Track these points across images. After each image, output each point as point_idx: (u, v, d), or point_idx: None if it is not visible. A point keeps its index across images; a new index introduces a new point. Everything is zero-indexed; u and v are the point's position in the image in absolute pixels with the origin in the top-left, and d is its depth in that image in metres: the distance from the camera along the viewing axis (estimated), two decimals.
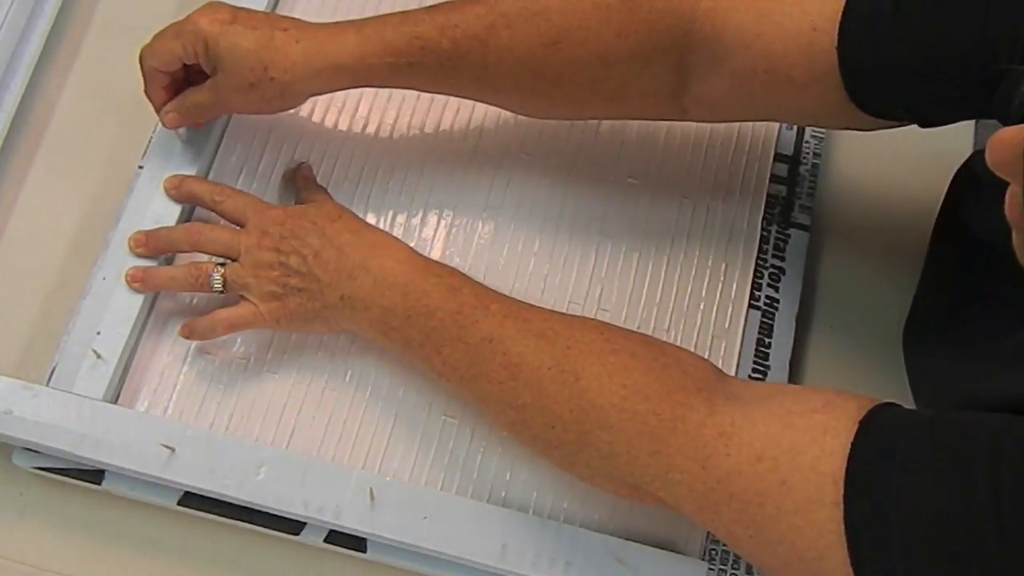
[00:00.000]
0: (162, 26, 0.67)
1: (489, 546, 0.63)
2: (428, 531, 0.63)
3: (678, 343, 0.68)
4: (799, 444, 0.50)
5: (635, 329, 0.64)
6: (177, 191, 0.71)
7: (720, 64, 0.62)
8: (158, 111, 0.70)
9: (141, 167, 0.72)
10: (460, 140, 0.77)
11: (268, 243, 0.66)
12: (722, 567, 0.66)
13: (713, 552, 0.66)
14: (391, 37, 0.65)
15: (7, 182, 0.75)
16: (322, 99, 0.76)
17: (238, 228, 0.68)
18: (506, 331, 0.60)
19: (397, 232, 0.73)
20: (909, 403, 0.59)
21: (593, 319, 0.62)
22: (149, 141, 0.73)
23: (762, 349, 0.72)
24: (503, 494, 0.67)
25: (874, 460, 0.48)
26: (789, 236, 0.76)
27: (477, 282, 0.64)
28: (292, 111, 0.72)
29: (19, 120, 0.76)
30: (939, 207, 0.70)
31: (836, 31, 0.57)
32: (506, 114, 0.76)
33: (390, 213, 0.74)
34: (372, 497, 0.63)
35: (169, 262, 0.71)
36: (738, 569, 0.66)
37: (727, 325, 0.73)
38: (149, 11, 0.78)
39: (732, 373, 0.71)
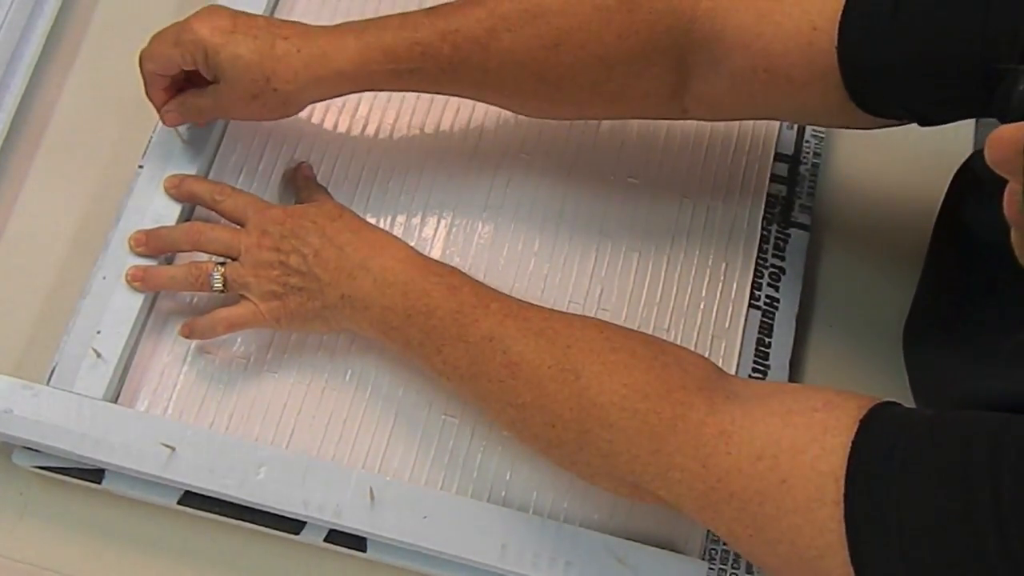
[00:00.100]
0: (162, 26, 0.67)
1: (489, 546, 0.63)
2: (428, 531, 0.63)
3: (678, 342, 0.68)
4: (799, 443, 0.50)
5: (635, 328, 0.64)
6: (177, 190, 0.71)
7: (720, 64, 0.62)
8: (159, 111, 0.70)
9: (141, 167, 0.72)
10: (460, 140, 0.77)
11: (268, 242, 0.66)
12: (722, 567, 0.66)
13: (713, 552, 0.66)
14: (391, 43, 0.64)
15: (7, 182, 0.75)
16: None
17: (238, 227, 0.68)
18: (506, 330, 0.60)
19: (397, 232, 0.73)
20: (909, 402, 0.59)
21: (593, 318, 0.62)
22: (149, 141, 0.73)
23: (762, 349, 0.72)
24: (503, 494, 0.67)
25: (875, 459, 0.48)
26: (789, 236, 0.76)
27: (477, 281, 0.64)
28: None
29: (19, 120, 0.76)
30: (939, 207, 0.70)
31: (836, 30, 0.57)
32: (506, 114, 0.76)
33: (390, 213, 0.74)
34: (372, 497, 0.63)
35: (169, 262, 0.71)
36: (738, 569, 0.66)
37: (727, 325, 0.73)
38: (149, 11, 0.78)
39: (732, 372, 0.71)
